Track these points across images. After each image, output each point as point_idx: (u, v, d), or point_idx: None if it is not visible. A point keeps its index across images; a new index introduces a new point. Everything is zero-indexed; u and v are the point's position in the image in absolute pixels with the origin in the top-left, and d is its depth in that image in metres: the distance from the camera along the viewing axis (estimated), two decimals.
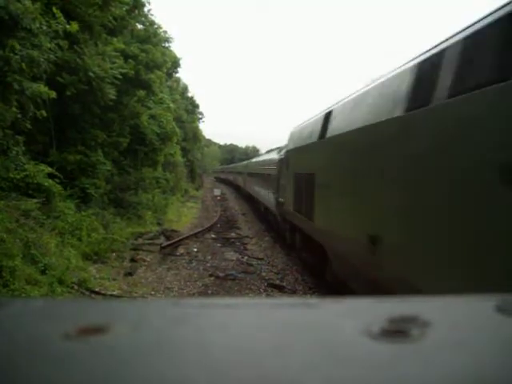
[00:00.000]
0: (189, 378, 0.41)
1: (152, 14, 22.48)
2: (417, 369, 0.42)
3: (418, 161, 4.42)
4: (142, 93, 18.49)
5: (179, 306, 0.61)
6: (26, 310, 0.60)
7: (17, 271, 8.12)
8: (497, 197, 3.13)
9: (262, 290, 10.31)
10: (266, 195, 19.34)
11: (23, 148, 11.91)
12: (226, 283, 10.63)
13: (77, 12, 13.28)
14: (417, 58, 5.07)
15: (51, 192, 11.81)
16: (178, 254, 13.91)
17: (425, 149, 4.29)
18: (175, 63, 26.52)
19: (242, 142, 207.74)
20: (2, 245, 8.28)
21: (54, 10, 11.51)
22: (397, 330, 0.48)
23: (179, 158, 34.04)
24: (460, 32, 4.11)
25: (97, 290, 9.53)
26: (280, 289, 10.48)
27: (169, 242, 14.98)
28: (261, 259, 13.65)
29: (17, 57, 9.67)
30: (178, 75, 34.85)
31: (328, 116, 8.50)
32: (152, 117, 21.77)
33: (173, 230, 18.01)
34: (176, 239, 15.74)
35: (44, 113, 11.49)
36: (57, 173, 12.59)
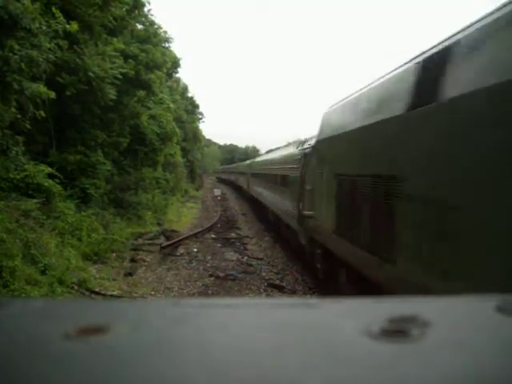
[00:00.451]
0: (189, 378, 0.41)
1: (152, 14, 22.50)
2: (417, 369, 0.42)
3: None
4: (141, 93, 18.48)
5: (179, 306, 0.61)
6: (26, 309, 0.60)
7: (17, 271, 8.12)
8: None
9: (262, 290, 10.31)
10: (280, 203, 15.04)
11: (23, 148, 11.91)
12: (226, 283, 10.63)
13: (77, 12, 13.28)
14: None
15: (51, 192, 11.81)
16: (177, 254, 13.91)
17: None
18: (175, 63, 26.52)
19: (242, 142, 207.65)
20: (2, 245, 8.28)
21: (54, 9, 11.51)
22: (397, 330, 0.48)
23: (179, 159, 34.04)
24: None
25: (97, 290, 9.53)
26: (280, 289, 10.48)
27: (169, 242, 14.98)
28: (261, 259, 13.65)
29: (16, 57, 9.66)
30: (177, 75, 34.86)
31: (429, 63, 4.53)
32: (152, 117, 21.77)
33: (173, 230, 18.01)
34: (176, 239, 15.74)
35: (43, 113, 11.49)
36: (57, 173, 12.59)
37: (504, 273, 2.98)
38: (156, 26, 23.18)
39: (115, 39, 16.20)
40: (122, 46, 16.31)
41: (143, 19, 21.42)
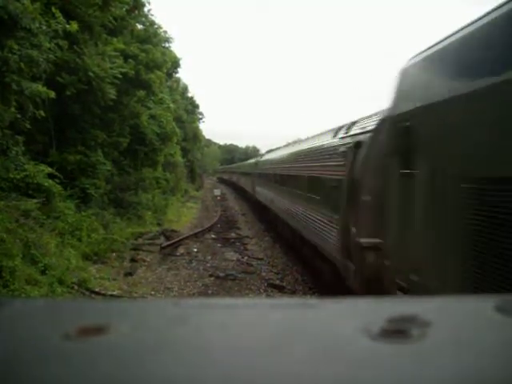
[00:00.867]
0: (189, 378, 0.41)
1: (152, 14, 22.53)
2: (417, 369, 0.42)
3: None
4: (141, 93, 18.50)
5: (179, 306, 0.61)
6: (26, 310, 0.60)
7: (17, 271, 8.12)
8: None
9: (261, 290, 10.31)
10: (304, 217, 11.02)
11: (23, 148, 11.92)
12: (226, 283, 10.63)
13: (77, 12, 13.28)
14: None
15: (51, 192, 11.81)
16: (177, 254, 13.91)
17: None
18: (175, 63, 26.52)
19: (242, 142, 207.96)
20: (2, 245, 8.28)
21: (54, 9, 11.51)
22: (397, 330, 0.48)
23: (179, 158, 34.06)
24: None
25: (97, 290, 9.54)
26: (280, 289, 10.48)
27: (169, 242, 14.98)
28: (261, 259, 13.66)
29: (15, 57, 9.66)
30: (177, 75, 34.86)
31: None
32: (152, 117, 21.78)
33: (173, 230, 18.02)
34: (176, 239, 15.75)
35: (42, 113, 11.49)
36: (57, 173, 12.59)
37: None
38: (156, 26, 23.21)
39: (115, 39, 16.20)
40: (122, 46, 16.32)
41: (143, 19, 21.43)
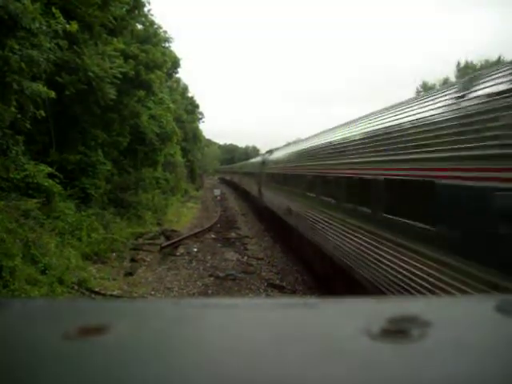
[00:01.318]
0: (188, 378, 0.41)
1: (152, 14, 22.52)
2: (417, 369, 0.42)
3: None
4: (142, 93, 18.50)
5: (179, 306, 0.61)
6: (26, 310, 0.60)
7: (17, 271, 8.12)
8: None
9: (261, 290, 10.31)
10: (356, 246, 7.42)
11: (23, 148, 11.91)
12: (226, 283, 10.63)
13: (77, 12, 13.28)
14: None
15: (51, 192, 11.81)
16: (177, 254, 13.91)
17: None
18: (175, 63, 26.53)
19: (242, 142, 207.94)
20: (2, 245, 8.28)
21: (54, 9, 11.50)
22: (397, 330, 0.48)
23: (179, 158, 34.06)
24: None
25: (97, 290, 9.54)
26: (280, 289, 10.48)
27: (169, 242, 14.98)
28: (261, 259, 13.66)
29: (16, 56, 9.66)
30: (178, 75, 34.85)
31: None
32: (152, 117, 21.78)
33: (173, 230, 18.02)
34: (176, 239, 15.75)
35: (43, 113, 11.49)
36: (57, 173, 12.59)
37: None
38: (156, 26, 23.21)
39: (115, 39, 16.19)
40: (122, 46, 16.32)
41: (143, 19, 21.43)
